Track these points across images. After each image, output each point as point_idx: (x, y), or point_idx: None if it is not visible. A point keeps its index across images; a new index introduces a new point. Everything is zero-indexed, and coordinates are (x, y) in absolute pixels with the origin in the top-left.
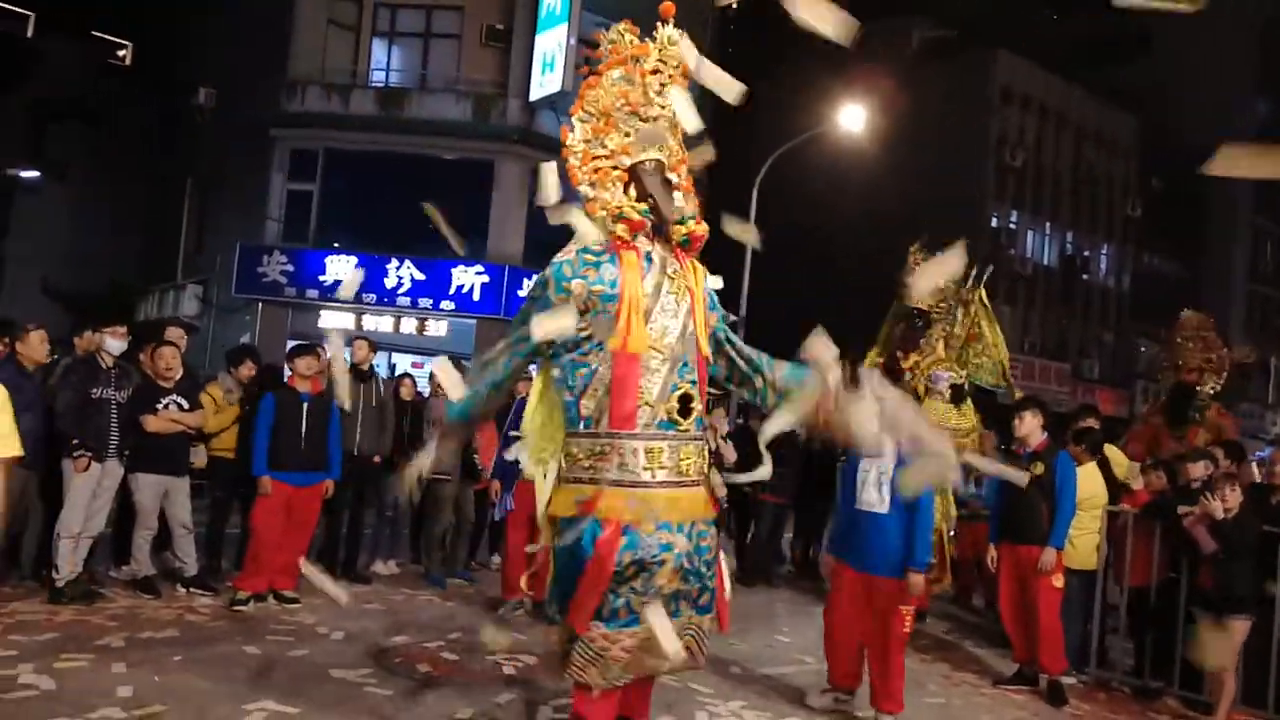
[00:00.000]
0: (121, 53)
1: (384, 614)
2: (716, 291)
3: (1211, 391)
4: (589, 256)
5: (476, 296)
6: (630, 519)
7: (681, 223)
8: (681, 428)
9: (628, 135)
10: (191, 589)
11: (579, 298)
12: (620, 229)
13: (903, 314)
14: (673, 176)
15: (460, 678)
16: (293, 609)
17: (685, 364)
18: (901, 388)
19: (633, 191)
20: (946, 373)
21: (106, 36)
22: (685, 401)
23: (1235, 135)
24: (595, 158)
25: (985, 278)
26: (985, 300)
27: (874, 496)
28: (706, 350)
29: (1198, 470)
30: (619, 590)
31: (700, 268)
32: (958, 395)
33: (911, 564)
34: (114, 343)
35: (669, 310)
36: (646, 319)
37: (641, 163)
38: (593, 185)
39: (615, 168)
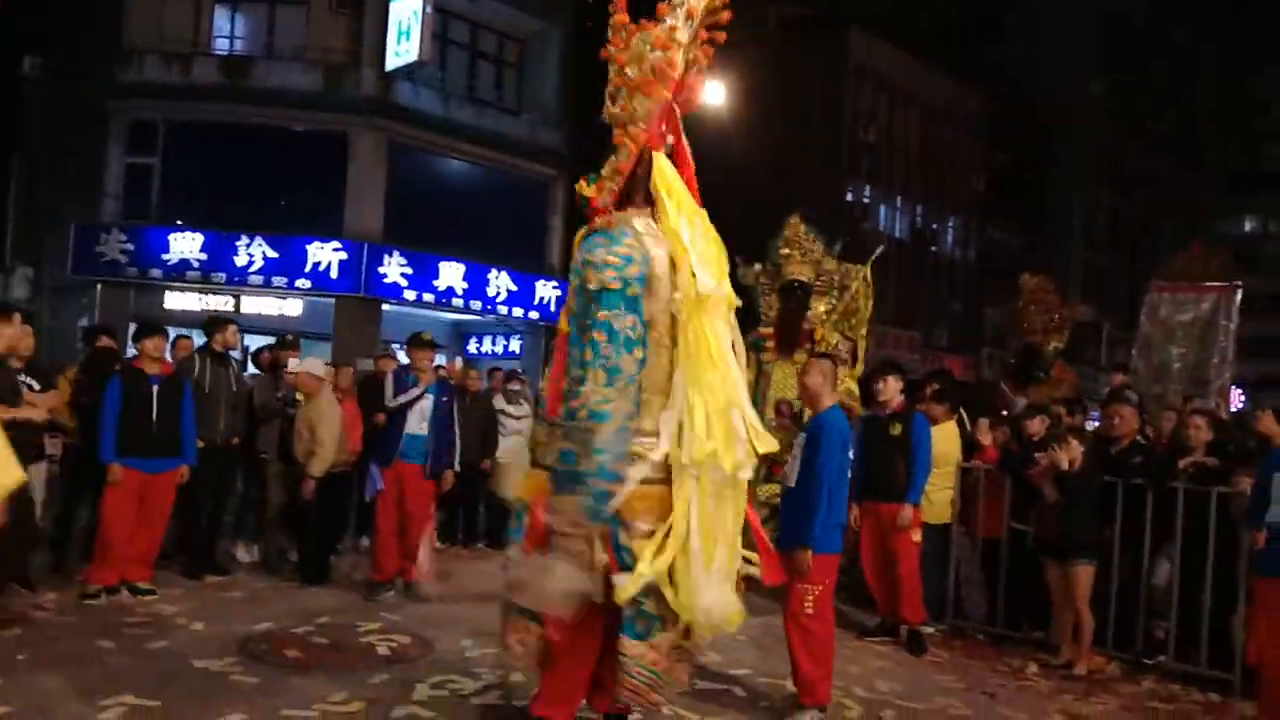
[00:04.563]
0: None
1: (247, 601)
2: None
3: (1056, 349)
4: None
5: (334, 274)
6: None
7: None
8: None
9: None
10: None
11: None
12: None
13: (781, 285)
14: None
15: (331, 662)
16: (148, 600)
17: None
18: (806, 356)
19: None
20: (845, 343)
21: None
22: None
23: (1077, 114)
24: None
25: (874, 258)
26: (869, 279)
27: (792, 469)
28: (562, 325)
29: (1035, 426)
30: None
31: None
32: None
33: (800, 539)
34: None
35: None
36: None
37: None
38: None
39: None
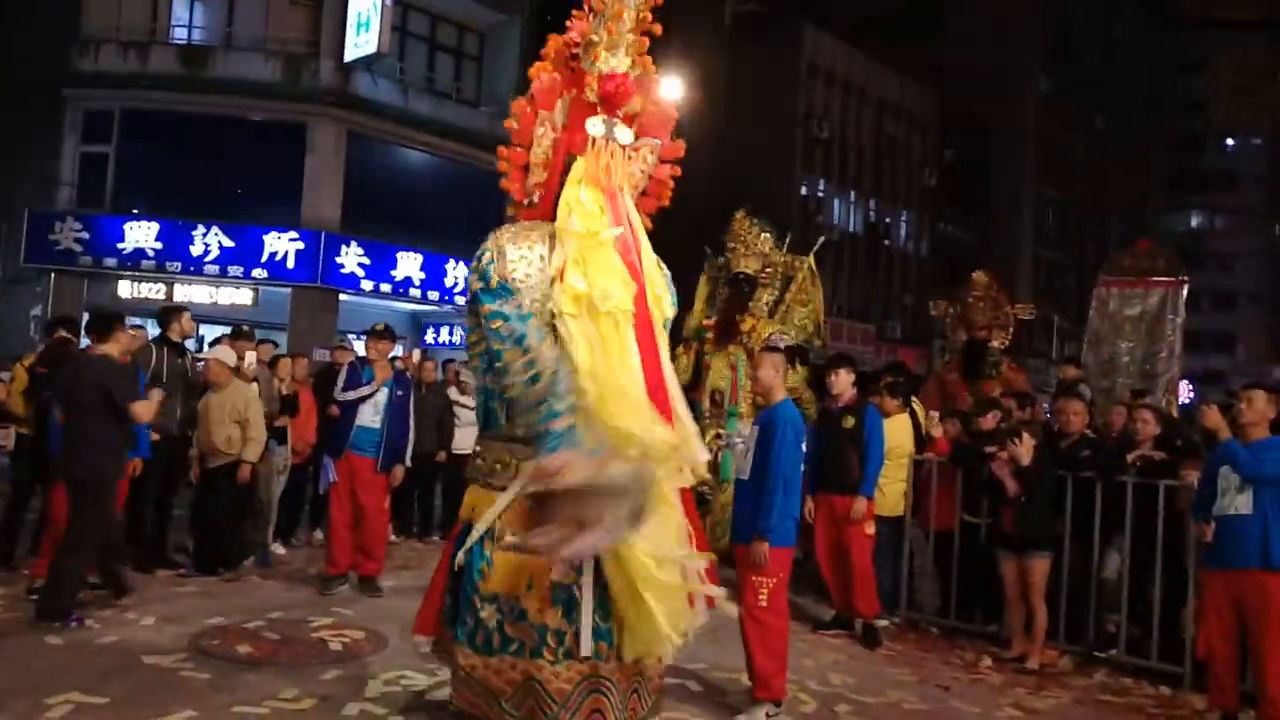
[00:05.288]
0: None
1: (199, 596)
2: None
3: (1001, 347)
4: None
5: (291, 264)
6: None
7: None
8: None
9: None
10: None
11: None
12: None
13: (728, 278)
14: None
15: (283, 657)
16: (99, 595)
17: None
18: (739, 348)
19: None
20: (781, 336)
21: None
22: None
23: (1020, 108)
24: None
25: (816, 248)
26: (814, 268)
27: (743, 464)
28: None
29: (988, 422)
30: None
31: None
32: (790, 356)
33: (757, 531)
34: None
35: None
36: None
37: None
38: None
39: None
